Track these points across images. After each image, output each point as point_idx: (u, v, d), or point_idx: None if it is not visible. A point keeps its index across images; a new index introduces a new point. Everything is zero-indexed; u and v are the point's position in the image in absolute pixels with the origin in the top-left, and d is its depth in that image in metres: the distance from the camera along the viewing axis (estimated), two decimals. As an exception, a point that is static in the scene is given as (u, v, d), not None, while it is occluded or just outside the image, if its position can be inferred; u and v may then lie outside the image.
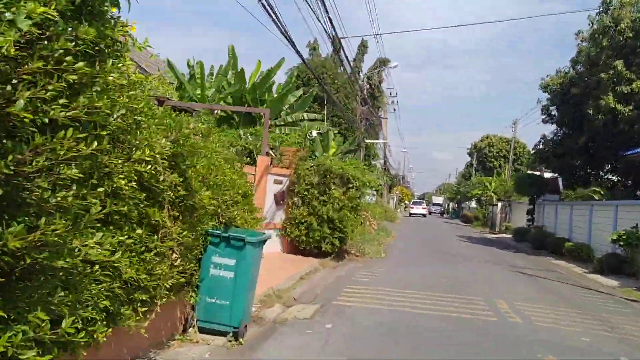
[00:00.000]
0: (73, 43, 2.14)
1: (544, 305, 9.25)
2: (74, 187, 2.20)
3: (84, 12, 2.45)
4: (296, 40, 11.55)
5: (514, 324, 7.49)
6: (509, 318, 7.81)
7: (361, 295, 8.65)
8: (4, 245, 1.97)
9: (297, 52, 13.02)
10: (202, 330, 5.50)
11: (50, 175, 2.11)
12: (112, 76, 2.43)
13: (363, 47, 41.49)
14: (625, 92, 18.73)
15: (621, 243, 14.74)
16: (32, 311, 2.22)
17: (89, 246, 2.27)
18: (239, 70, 20.97)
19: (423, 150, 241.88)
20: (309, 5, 12.30)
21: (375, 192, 40.12)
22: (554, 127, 25.55)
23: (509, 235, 30.60)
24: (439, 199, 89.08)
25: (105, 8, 2.63)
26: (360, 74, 39.20)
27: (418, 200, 73.97)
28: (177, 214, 4.19)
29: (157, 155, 3.68)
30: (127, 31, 2.73)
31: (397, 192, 70.03)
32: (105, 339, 3.31)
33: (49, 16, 2.09)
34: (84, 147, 2.11)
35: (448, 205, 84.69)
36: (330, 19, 12.49)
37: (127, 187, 3.17)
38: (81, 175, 2.16)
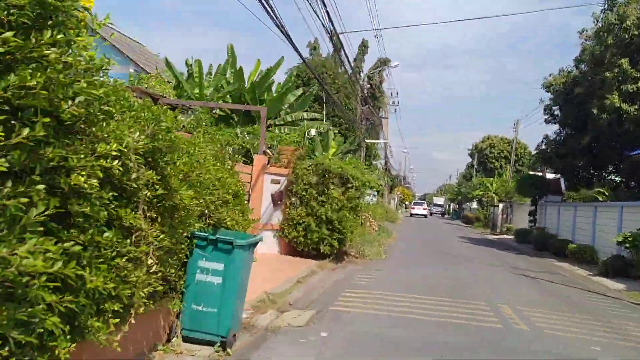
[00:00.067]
0: (5, 12, 1.78)
1: (549, 310, 8.87)
2: (9, 184, 1.84)
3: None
4: (297, 41, 11.22)
5: (519, 331, 7.11)
6: (513, 324, 7.43)
7: (360, 300, 8.28)
8: None
9: (295, 47, 12.65)
10: (187, 340, 5.13)
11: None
12: (50, 51, 2.06)
13: (364, 47, 41.17)
14: (631, 90, 18.35)
15: (627, 245, 14.38)
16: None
17: (20, 255, 1.90)
18: (238, 69, 20.61)
19: (424, 151, 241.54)
20: (308, 1, 11.96)
21: (376, 193, 39.77)
22: (556, 127, 25.22)
23: (511, 237, 30.23)
24: (440, 200, 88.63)
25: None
26: (361, 74, 38.85)
27: (419, 201, 73.71)
28: (155, 215, 3.82)
29: (130, 150, 3.32)
30: (82, 5, 2.35)
31: (398, 193, 69.73)
32: (68, 355, 2.95)
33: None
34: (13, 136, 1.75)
35: (449, 206, 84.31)
36: (327, 12, 12.12)
37: (87, 185, 2.79)
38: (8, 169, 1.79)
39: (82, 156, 2.77)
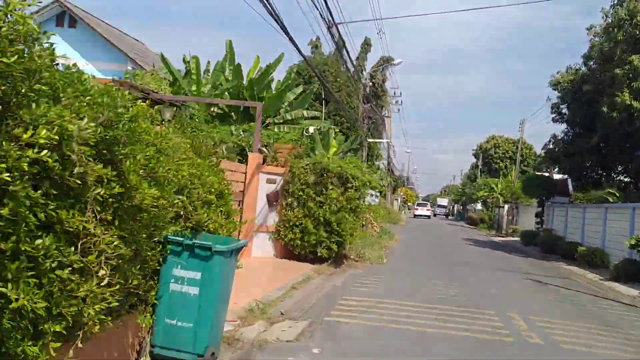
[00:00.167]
0: None
1: (564, 320, 8.24)
2: None
3: None
4: (298, 41, 10.65)
5: (534, 346, 6.48)
6: (527, 338, 6.80)
7: (358, 309, 7.66)
8: None
9: (292, 41, 12.06)
10: (160, 359, 4.54)
11: None
12: None
13: (366, 45, 40.57)
14: (642, 88, 17.67)
15: (640, 249, 13.73)
16: None
17: None
18: (236, 66, 20.03)
19: (428, 152, 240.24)
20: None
21: (378, 194, 39.17)
22: (564, 126, 24.54)
23: (517, 239, 29.56)
24: (443, 201, 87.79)
25: None
26: (364, 72, 38.25)
27: (422, 202, 73.20)
28: (110, 217, 3.23)
29: (73, 139, 2.73)
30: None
31: (402, 194, 69.11)
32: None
33: None
34: None
35: (453, 207, 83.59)
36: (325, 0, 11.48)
37: (8, 178, 2.22)
38: None
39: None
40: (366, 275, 11.31)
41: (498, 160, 60.65)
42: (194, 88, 19.93)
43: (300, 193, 11.70)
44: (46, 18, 23.90)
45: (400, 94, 44.04)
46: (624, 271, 14.34)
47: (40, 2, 2.87)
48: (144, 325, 4.32)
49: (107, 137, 3.25)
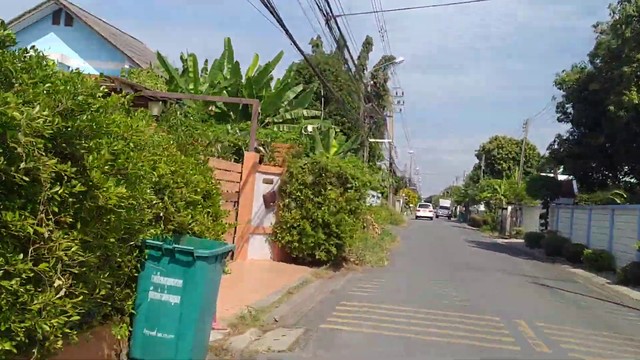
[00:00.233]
0: None
1: (572, 326, 7.85)
2: None
3: None
4: (299, 41, 10.29)
5: (542, 355, 6.09)
6: (534, 347, 6.40)
7: (357, 315, 7.28)
8: None
9: (291, 37, 11.71)
10: (138, 373, 4.18)
11: None
12: None
13: (368, 44, 40.19)
14: (651, 86, 17.27)
15: (649, 251, 13.33)
16: None
17: None
18: (234, 64, 19.69)
19: (430, 153, 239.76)
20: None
21: (380, 195, 38.78)
22: (569, 126, 24.12)
23: (520, 241, 29.10)
24: (446, 202, 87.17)
25: None
26: (365, 71, 37.88)
27: (424, 203, 72.76)
28: (70, 219, 2.86)
29: (19, 130, 2.37)
30: None
31: (404, 195, 68.71)
32: None
33: None
34: None
35: (455, 208, 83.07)
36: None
37: None
38: None
39: None
40: (366, 279, 10.93)
41: (501, 162, 60.19)
42: (191, 86, 19.58)
43: (298, 194, 11.33)
44: (42, 16, 23.58)
45: (403, 93, 43.56)
46: (632, 274, 13.93)
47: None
48: (119, 337, 3.95)
49: (69, 128, 2.89)
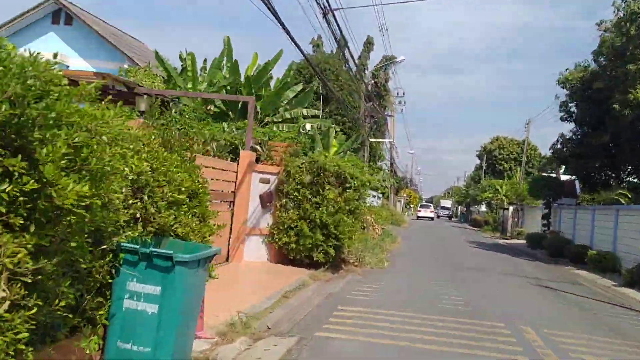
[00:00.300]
0: None
1: (581, 332, 7.48)
2: None
3: None
4: (299, 41, 9.96)
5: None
6: (542, 356, 6.05)
7: (354, 322, 6.91)
8: None
9: (290, 35, 11.35)
10: (112, 389, 3.82)
11: None
12: None
13: (369, 44, 39.86)
14: (656, 84, 16.90)
15: (656, 253, 12.96)
16: None
17: None
18: (233, 62, 19.33)
19: (431, 153, 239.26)
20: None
21: (381, 195, 38.44)
22: (572, 125, 23.75)
23: (522, 241, 28.73)
24: (447, 203, 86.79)
25: None
26: (366, 71, 37.52)
27: (425, 204, 72.57)
28: (20, 221, 2.51)
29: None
30: None
31: (405, 195, 68.38)
32: None
33: None
34: None
35: (456, 208, 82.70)
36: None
37: None
38: None
39: None
40: (365, 282, 10.56)
41: (502, 162, 59.85)
42: (189, 85, 19.25)
43: (296, 193, 10.97)
44: (42, 15, 23.35)
45: (404, 93, 43.25)
46: (638, 276, 13.58)
47: None
48: (88, 352, 3.59)
49: (21, 118, 2.53)
